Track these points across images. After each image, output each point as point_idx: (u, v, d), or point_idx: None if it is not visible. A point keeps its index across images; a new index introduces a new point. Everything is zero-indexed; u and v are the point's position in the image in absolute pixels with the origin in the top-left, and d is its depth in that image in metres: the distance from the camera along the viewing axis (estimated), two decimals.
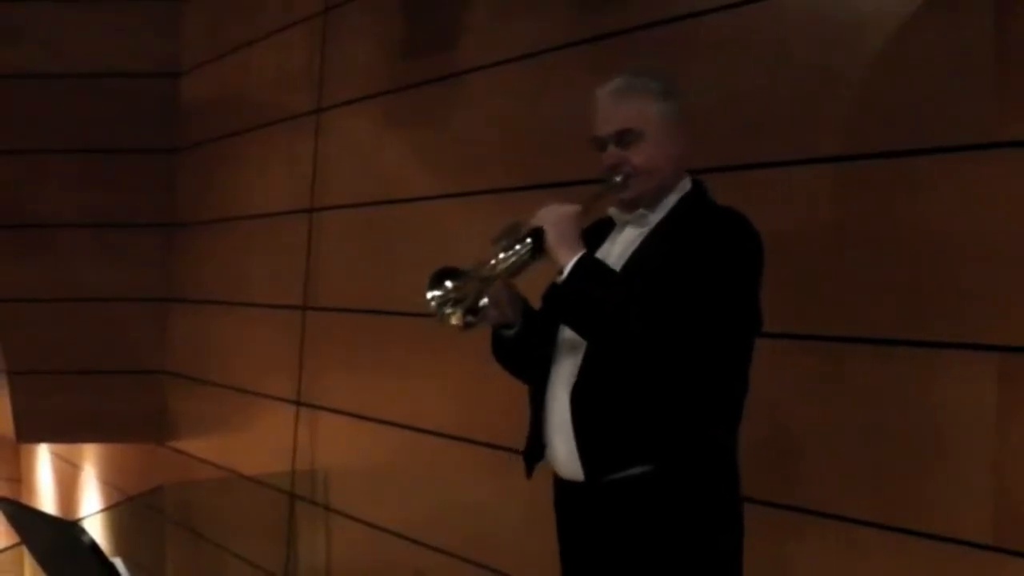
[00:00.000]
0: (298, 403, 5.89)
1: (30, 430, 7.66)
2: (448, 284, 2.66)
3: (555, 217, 2.68)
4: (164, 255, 7.47)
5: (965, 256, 2.94)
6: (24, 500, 9.52)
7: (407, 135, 5.20)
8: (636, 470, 2.62)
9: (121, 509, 7.88)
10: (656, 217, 2.76)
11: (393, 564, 5.18)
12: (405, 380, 5.13)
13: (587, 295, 2.61)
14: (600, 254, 2.76)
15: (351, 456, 5.59)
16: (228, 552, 6.59)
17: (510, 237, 2.70)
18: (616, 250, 2.77)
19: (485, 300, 2.70)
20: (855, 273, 3.21)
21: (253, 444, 6.49)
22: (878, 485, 3.13)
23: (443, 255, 4.76)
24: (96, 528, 7.75)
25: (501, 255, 2.68)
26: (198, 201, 7.22)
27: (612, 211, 2.83)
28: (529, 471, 2.85)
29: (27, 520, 2.85)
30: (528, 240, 2.67)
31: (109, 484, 8.53)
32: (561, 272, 2.63)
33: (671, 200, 2.76)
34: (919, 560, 3.02)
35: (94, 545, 2.41)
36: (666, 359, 2.57)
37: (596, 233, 2.82)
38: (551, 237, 2.66)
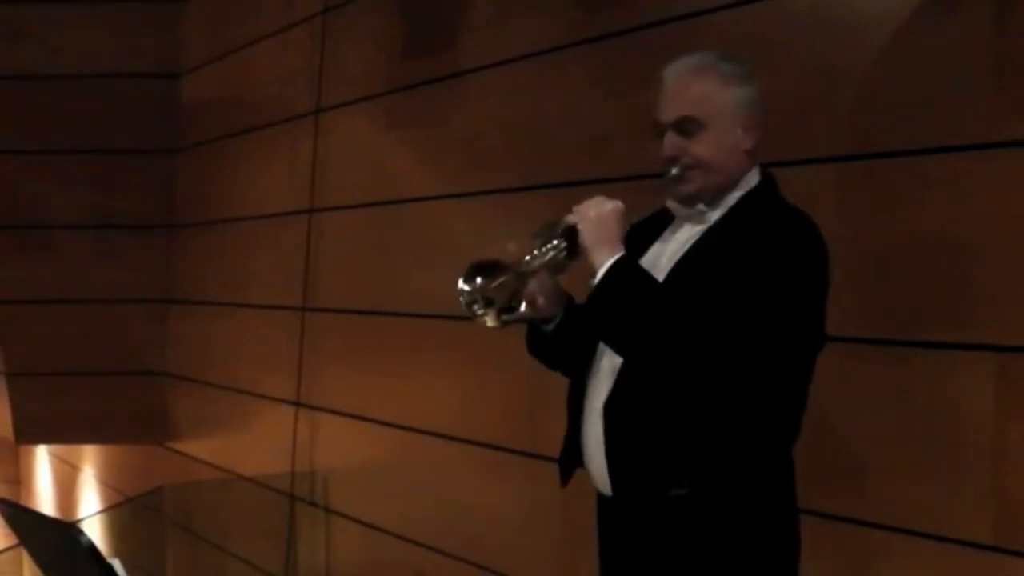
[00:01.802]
0: (298, 404, 5.89)
1: (29, 431, 7.65)
2: (479, 281, 2.49)
3: (594, 214, 2.46)
4: (164, 256, 7.46)
5: (965, 256, 2.93)
6: (23, 501, 9.52)
7: (407, 135, 5.20)
8: (672, 492, 2.42)
9: (120, 510, 7.87)
10: (716, 215, 2.52)
11: (393, 565, 5.18)
12: (405, 381, 5.13)
13: (618, 304, 2.40)
14: (653, 251, 2.56)
15: (351, 457, 5.58)
16: (228, 553, 6.59)
17: (547, 233, 2.52)
18: (670, 248, 2.55)
19: (520, 299, 2.53)
20: (856, 274, 3.20)
21: (253, 445, 6.48)
22: (878, 486, 3.13)
23: (443, 256, 4.78)
24: (95, 529, 7.75)
25: (536, 252, 2.50)
26: (198, 201, 7.22)
27: (671, 203, 2.58)
28: (564, 479, 2.65)
29: (26, 521, 2.85)
30: (563, 238, 2.49)
31: (108, 485, 8.53)
32: (594, 276, 2.43)
33: (734, 197, 2.52)
34: (918, 561, 3.01)
35: (93, 546, 2.40)
36: (705, 377, 2.35)
37: (651, 227, 2.61)
38: (586, 236, 2.45)
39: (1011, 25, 2.85)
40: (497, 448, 4.47)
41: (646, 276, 2.44)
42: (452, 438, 4.77)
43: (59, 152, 7.31)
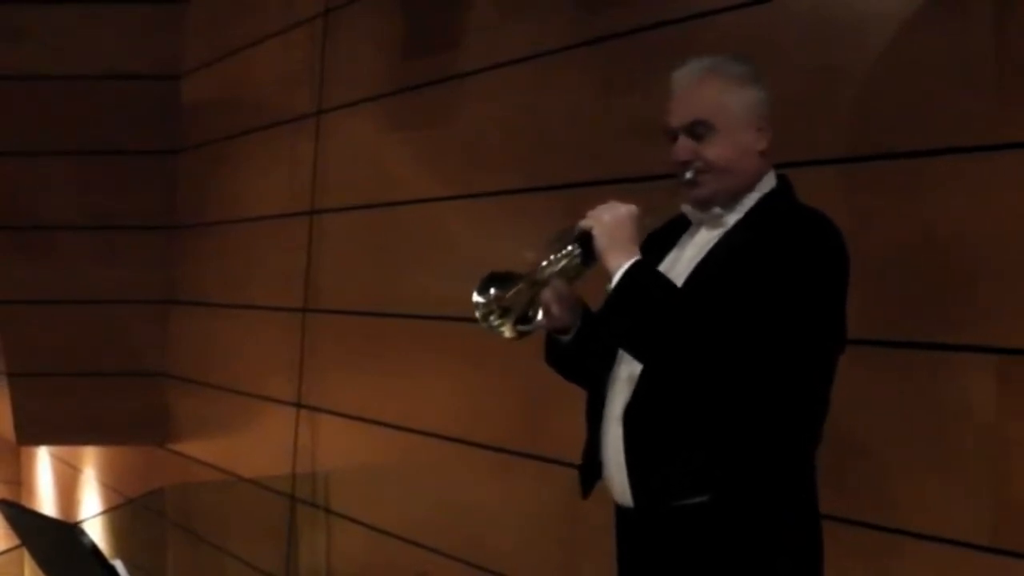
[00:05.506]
0: (299, 405, 5.89)
1: (30, 432, 7.65)
2: (492, 292, 2.44)
3: (608, 218, 2.42)
4: (165, 257, 7.46)
5: (966, 257, 2.93)
6: (24, 502, 9.52)
7: (408, 136, 5.20)
8: (693, 500, 2.37)
9: (121, 511, 7.88)
10: (733, 218, 2.48)
11: (393, 566, 5.18)
12: (406, 382, 5.13)
13: (634, 308, 2.35)
14: (671, 257, 2.53)
15: (352, 458, 5.58)
16: (228, 555, 6.59)
17: (562, 239, 2.48)
18: (687, 254, 2.52)
19: (536, 308, 2.48)
20: (856, 275, 3.20)
21: (254, 446, 6.48)
22: (878, 488, 3.12)
23: (444, 257, 4.78)
24: (96, 530, 7.75)
25: (550, 258, 2.45)
26: (199, 203, 7.22)
27: (686, 208, 2.55)
28: (585, 491, 2.59)
29: (27, 522, 2.85)
30: (577, 243, 2.44)
31: (109, 486, 8.53)
32: (611, 280, 2.38)
33: (751, 200, 2.49)
34: (918, 562, 3.01)
35: (94, 547, 2.40)
36: (727, 381, 2.31)
37: (668, 233, 2.58)
38: (601, 240, 2.40)
39: (1011, 25, 2.85)
40: (498, 449, 4.47)
41: (663, 279, 2.40)
42: (453, 439, 4.77)
43: (60, 153, 7.31)
